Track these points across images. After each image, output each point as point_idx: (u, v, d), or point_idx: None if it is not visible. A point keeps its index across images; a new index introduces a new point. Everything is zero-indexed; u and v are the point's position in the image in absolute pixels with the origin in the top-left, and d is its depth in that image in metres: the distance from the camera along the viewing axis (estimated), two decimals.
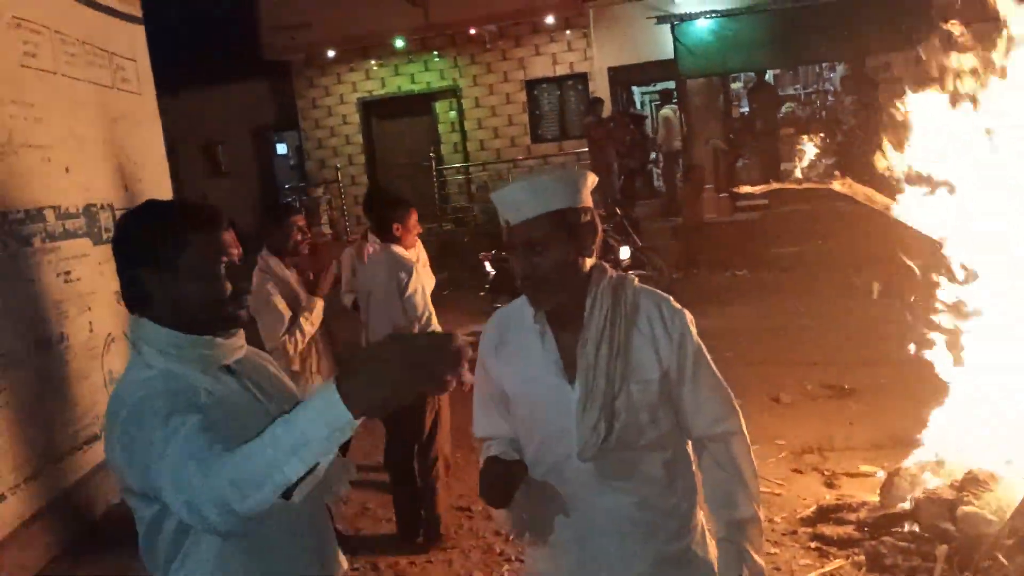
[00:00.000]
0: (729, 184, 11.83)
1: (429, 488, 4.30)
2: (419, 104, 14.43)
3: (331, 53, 13.99)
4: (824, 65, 13.99)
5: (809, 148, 13.53)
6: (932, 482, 3.86)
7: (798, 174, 12.88)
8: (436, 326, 4.23)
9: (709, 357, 1.93)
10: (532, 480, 1.92)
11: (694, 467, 1.98)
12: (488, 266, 9.52)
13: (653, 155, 14.11)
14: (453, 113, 14.44)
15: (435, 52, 14.03)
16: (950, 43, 4.17)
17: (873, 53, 11.63)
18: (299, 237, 3.99)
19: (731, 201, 11.90)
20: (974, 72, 4.03)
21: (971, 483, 3.55)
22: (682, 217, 12.11)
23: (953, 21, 4.23)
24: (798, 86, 14.88)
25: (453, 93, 14.27)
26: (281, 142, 16.84)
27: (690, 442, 1.98)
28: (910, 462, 4.07)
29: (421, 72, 14.26)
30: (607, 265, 1.93)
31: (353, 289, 4.64)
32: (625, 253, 8.62)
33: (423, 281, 4.22)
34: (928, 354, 4.03)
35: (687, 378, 1.88)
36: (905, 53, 11.21)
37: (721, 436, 1.93)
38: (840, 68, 13.32)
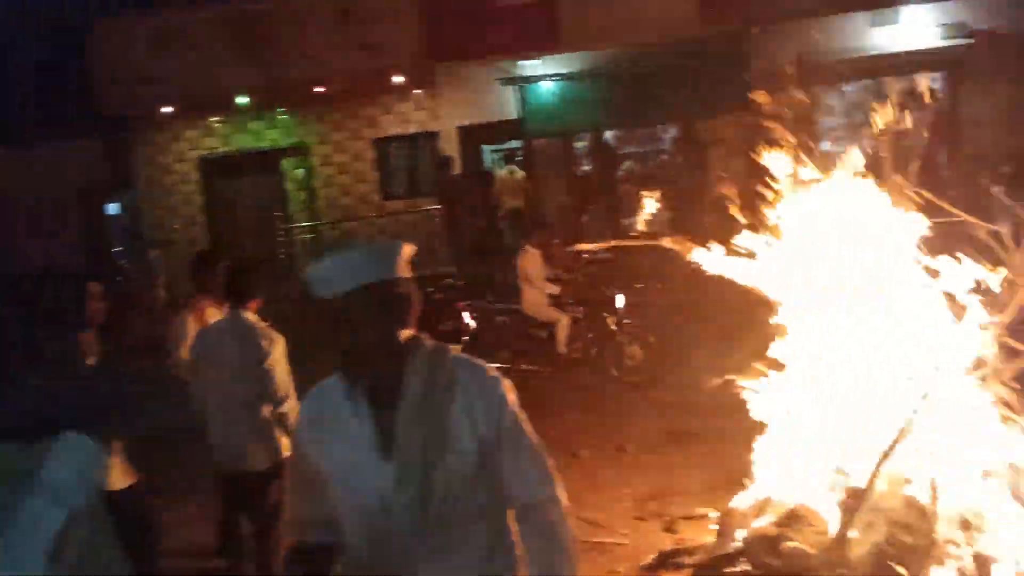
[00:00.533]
0: (575, 239, 12.26)
1: (266, 573, 4.06)
2: (265, 162, 14.10)
3: (170, 109, 13.47)
4: (659, 126, 14.85)
5: (649, 203, 14.30)
6: (761, 520, 4.07)
7: (640, 227, 13.56)
8: (293, 401, 3.99)
9: (528, 424, 1.96)
10: (350, 563, 1.88)
11: (515, 536, 1.99)
12: (467, 317, 8.85)
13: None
14: (301, 171, 14.22)
15: (281, 109, 13.83)
16: (760, 111, 4.55)
17: (700, 117, 12.51)
18: (94, 306, 3.74)
19: (577, 256, 12.31)
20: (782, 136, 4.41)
21: (792, 519, 3.77)
22: None
23: (761, 91, 4.61)
24: (636, 145, 15.68)
25: (300, 151, 14.07)
26: (114, 202, 15.92)
27: (511, 510, 1.98)
28: (741, 502, 4.27)
29: (266, 129, 13.98)
30: (425, 336, 1.94)
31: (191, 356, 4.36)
32: (621, 301, 8.34)
33: (281, 351, 4.04)
34: (751, 397, 4.27)
35: (505, 446, 1.90)
36: (724, 118, 12.21)
37: (541, 503, 1.94)
38: (673, 130, 14.21)
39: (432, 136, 13.86)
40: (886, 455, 3.34)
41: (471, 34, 12.16)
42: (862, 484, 3.52)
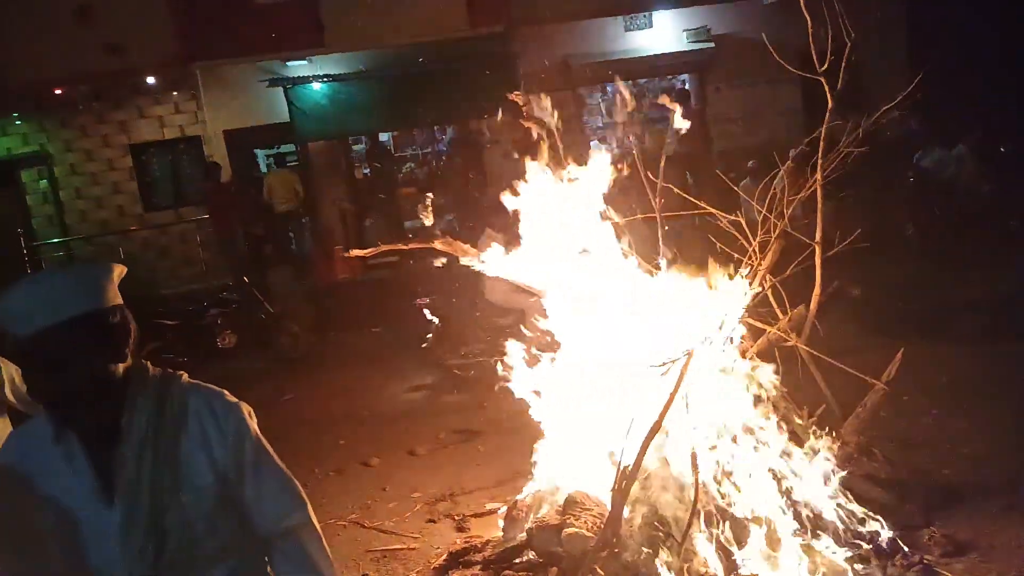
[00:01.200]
0: (358, 244, 12.03)
1: None
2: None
3: None
4: (437, 128, 14.95)
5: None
6: (544, 510, 4.18)
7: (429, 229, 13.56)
8: None
9: (271, 449, 1.85)
10: None
11: (268, 569, 1.88)
12: (428, 314, 8.11)
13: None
14: (44, 182, 12.82)
15: (15, 114, 12.37)
16: (518, 112, 4.65)
17: (473, 117, 12.74)
18: None
19: (362, 260, 12.08)
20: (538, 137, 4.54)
21: (571, 506, 3.90)
22: (315, 279, 12.03)
23: (517, 93, 4.72)
24: (415, 147, 15.68)
25: (42, 160, 12.69)
26: None
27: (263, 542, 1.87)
28: (524, 494, 4.37)
29: None
30: (149, 365, 1.76)
31: None
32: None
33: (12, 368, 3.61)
34: (521, 390, 4.38)
35: (247, 476, 1.78)
36: (490, 120, 12.55)
37: (290, 531, 1.84)
38: (450, 131, 14.36)
39: (196, 141, 13.03)
40: (650, 435, 3.53)
41: (229, 33, 11.56)
42: (631, 464, 3.71)
